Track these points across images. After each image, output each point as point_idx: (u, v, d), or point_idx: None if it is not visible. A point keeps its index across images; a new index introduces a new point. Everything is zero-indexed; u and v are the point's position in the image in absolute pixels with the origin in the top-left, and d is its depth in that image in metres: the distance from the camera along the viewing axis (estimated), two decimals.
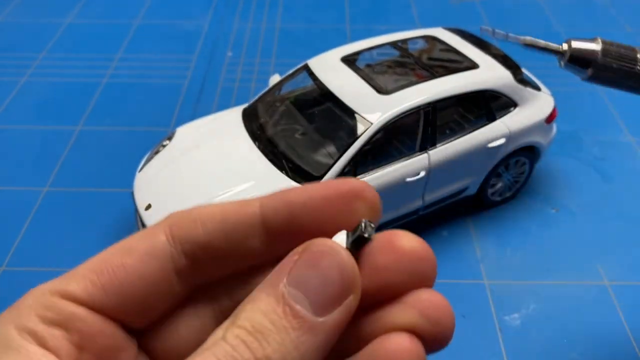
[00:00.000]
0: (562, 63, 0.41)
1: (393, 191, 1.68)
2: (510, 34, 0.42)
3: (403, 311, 0.40)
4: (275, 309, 0.37)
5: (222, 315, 0.44)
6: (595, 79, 0.40)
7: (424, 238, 0.43)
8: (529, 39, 0.42)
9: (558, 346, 1.57)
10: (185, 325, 0.45)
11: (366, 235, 0.40)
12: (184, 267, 0.43)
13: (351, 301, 0.38)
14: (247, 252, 0.43)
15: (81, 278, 0.42)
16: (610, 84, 0.39)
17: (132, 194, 1.74)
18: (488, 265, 1.78)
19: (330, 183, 0.42)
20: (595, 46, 0.40)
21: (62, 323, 0.40)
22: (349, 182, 0.42)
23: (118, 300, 0.41)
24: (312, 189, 0.42)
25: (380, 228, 0.40)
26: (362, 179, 1.63)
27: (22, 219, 1.92)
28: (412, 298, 0.40)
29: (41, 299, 0.41)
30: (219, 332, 0.37)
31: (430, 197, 1.79)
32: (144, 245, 0.43)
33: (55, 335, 0.39)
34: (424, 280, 0.41)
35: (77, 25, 3.04)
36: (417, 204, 1.78)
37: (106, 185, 2.05)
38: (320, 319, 0.37)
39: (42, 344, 0.38)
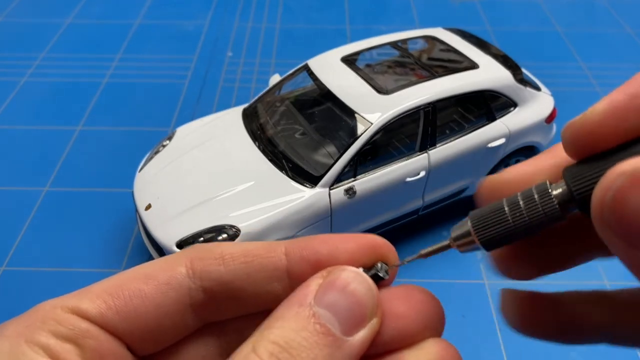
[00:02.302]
0: (459, 251, 0.44)
1: (393, 191, 1.68)
2: (407, 258, 0.45)
3: (420, 355, 0.42)
4: (307, 327, 0.38)
5: (229, 349, 0.44)
6: (491, 247, 0.42)
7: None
8: (423, 251, 0.45)
9: (557, 345, 1.57)
10: (191, 355, 0.46)
11: (381, 274, 0.44)
12: (200, 302, 0.43)
13: (374, 323, 0.41)
14: (267, 295, 0.44)
15: (95, 297, 0.41)
16: (508, 242, 0.42)
17: (132, 194, 1.74)
18: (488, 265, 1.78)
19: (354, 237, 0.45)
20: (467, 227, 0.42)
21: (74, 339, 0.39)
22: (371, 238, 0.45)
23: (130, 325, 0.41)
24: (337, 240, 0.44)
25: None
26: (363, 179, 1.64)
27: (22, 219, 1.92)
28: (428, 344, 0.43)
29: (52, 313, 0.40)
30: (246, 347, 0.39)
31: (430, 197, 1.79)
32: (163, 275, 0.43)
33: (67, 350, 0.39)
34: (435, 330, 0.44)
35: (78, 26, 3.05)
36: (417, 203, 1.78)
37: (106, 185, 2.06)
38: (349, 338, 0.39)
39: (55, 358, 0.38)
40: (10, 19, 3.09)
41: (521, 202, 0.40)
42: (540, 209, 0.39)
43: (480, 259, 1.80)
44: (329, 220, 1.62)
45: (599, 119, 0.36)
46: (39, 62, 2.74)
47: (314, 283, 0.41)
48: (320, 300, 0.40)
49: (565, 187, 0.38)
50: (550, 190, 0.39)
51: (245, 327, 0.45)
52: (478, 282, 1.73)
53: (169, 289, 0.42)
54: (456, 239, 0.43)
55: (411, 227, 1.83)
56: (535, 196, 0.39)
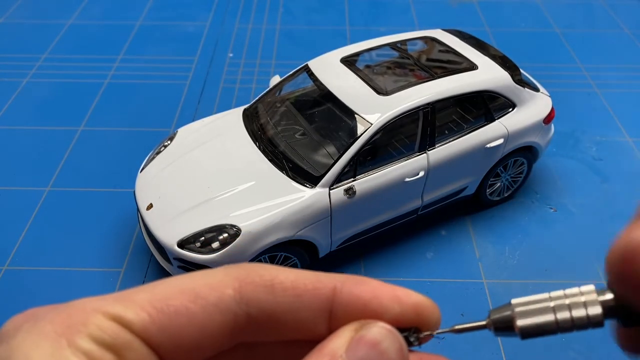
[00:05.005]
0: (494, 334, 0.44)
1: (392, 191, 1.70)
2: (440, 330, 0.45)
3: None
4: None
5: None
6: (527, 337, 0.43)
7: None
8: (457, 327, 0.45)
9: (556, 345, 1.59)
10: None
11: (412, 339, 0.43)
12: (241, 326, 0.43)
13: None
14: (307, 330, 0.43)
15: (139, 309, 0.40)
16: (545, 335, 0.43)
17: (133, 194, 1.76)
18: (486, 264, 1.80)
19: (407, 296, 0.44)
20: (510, 312, 0.42)
21: (115, 348, 0.39)
22: (423, 302, 0.44)
23: (171, 342, 0.41)
24: (388, 298, 0.44)
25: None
26: (362, 179, 1.65)
27: (24, 219, 1.93)
28: None
29: (94, 317, 0.39)
30: None
31: (429, 197, 1.81)
32: (212, 295, 0.42)
33: (108, 359, 0.39)
34: None
35: (79, 26, 3.06)
36: (416, 203, 1.80)
37: (108, 185, 2.07)
38: None
39: None
40: (11, 20, 3.10)
41: (567, 301, 0.41)
42: (585, 313, 0.40)
43: (479, 258, 1.81)
44: (328, 220, 1.64)
45: None
46: (41, 62, 2.75)
47: (346, 335, 0.41)
48: (350, 354, 0.40)
49: (612, 294, 0.39)
50: (597, 297, 0.40)
51: (275, 351, 0.46)
52: (477, 281, 1.74)
53: (216, 311, 0.42)
54: (495, 322, 0.43)
55: (410, 226, 1.85)
56: (582, 298, 0.40)
